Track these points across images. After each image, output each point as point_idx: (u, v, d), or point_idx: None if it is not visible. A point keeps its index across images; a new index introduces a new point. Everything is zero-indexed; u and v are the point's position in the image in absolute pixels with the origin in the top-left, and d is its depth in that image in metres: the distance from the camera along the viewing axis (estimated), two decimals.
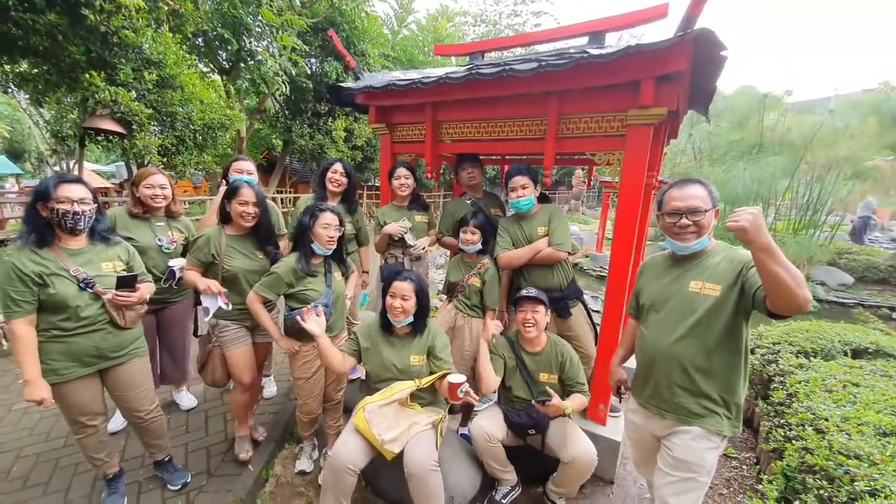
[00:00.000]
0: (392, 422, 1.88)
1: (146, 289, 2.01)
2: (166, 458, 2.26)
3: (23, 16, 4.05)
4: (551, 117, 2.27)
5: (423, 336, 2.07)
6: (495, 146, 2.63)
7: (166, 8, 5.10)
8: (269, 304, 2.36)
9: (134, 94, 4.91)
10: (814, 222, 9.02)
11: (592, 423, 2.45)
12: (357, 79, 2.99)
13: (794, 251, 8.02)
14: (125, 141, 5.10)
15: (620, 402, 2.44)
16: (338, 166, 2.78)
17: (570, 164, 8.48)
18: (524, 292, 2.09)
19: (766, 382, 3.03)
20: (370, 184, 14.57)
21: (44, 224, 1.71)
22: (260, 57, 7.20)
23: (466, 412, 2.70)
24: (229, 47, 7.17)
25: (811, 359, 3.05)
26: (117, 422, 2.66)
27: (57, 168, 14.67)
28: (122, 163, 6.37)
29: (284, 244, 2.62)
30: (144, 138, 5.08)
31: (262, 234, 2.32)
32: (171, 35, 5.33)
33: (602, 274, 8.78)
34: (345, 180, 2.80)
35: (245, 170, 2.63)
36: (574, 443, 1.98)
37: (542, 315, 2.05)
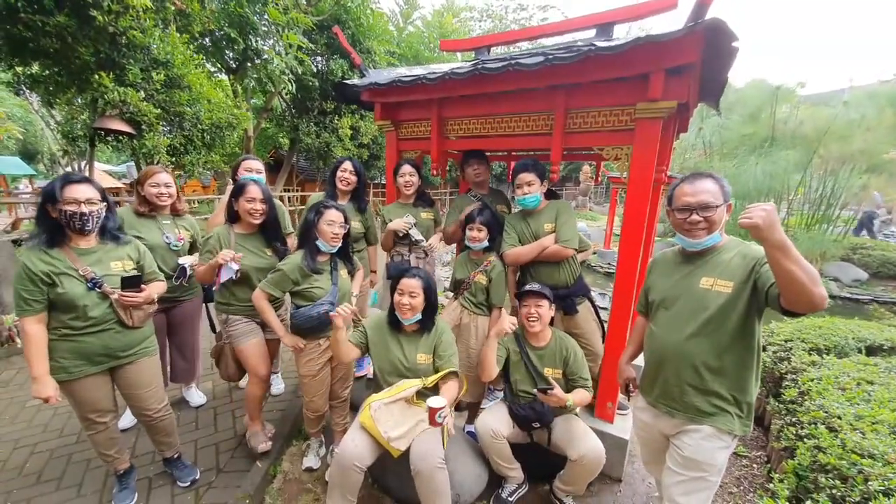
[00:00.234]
0: (398, 419, 1.88)
1: (156, 288, 2.02)
2: (175, 456, 2.29)
3: (32, 17, 4.10)
4: (558, 112, 2.25)
5: (431, 334, 2.07)
6: (501, 142, 2.61)
7: (173, 8, 5.14)
8: (277, 303, 2.38)
9: (142, 94, 4.95)
10: (827, 217, 8.85)
11: (600, 421, 2.43)
12: (362, 76, 2.98)
13: (807, 246, 7.88)
14: (134, 141, 5.14)
15: (629, 400, 2.41)
16: (347, 165, 2.79)
17: (577, 160, 8.40)
18: (527, 287, 2.08)
19: (777, 380, 2.98)
20: (377, 182, 14.60)
21: (53, 224, 1.73)
22: (266, 56, 7.23)
23: (473, 409, 2.69)
24: (236, 46, 7.20)
25: (824, 356, 2.99)
26: (128, 419, 2.70)
27: (69, 169, 14.92)
28: (132, 163, 6.44)
29: (291, 242, 2.64)
30: (153, 138, 5.13)
31: (269, 232, 2.34)
32: (178, 35, 5.36)
33: (610, 271, 8.71)
34: (354, 179, 2.80)
35: (254, 168, 2.65)
36: (582, 440, 1.96)
37: (546, 309, 2.04)
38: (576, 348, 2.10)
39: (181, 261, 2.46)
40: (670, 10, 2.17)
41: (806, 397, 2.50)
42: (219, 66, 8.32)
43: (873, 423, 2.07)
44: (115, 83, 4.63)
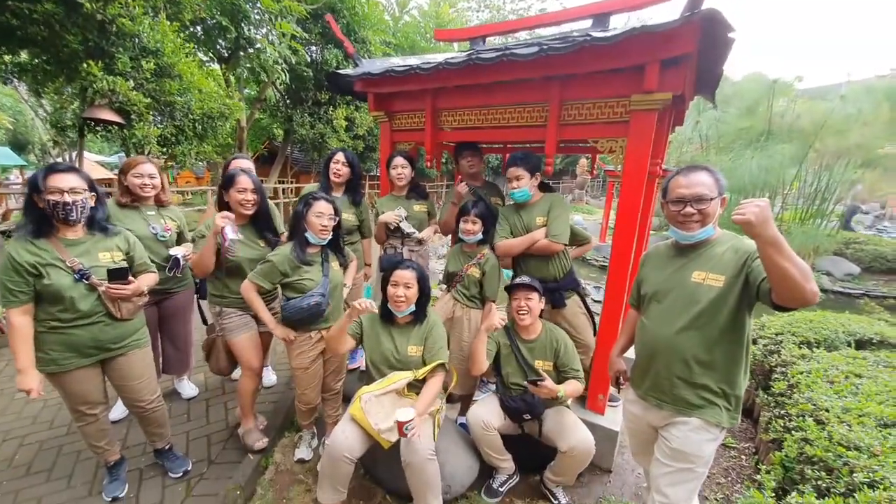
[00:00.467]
0: (389, 411, 1.88)
1: (147, 280, 1.99)
2: (167, 447, 2.28)
3: (19, 5, 4.00)
4: (553, 103, 2.22)
5: (423, 326, 2.07)
6: (496, 134, 2.58)
7: None
8: (270, 295, 2.36)
9: (132, 83, 4.85)
10: (821, 212, 8.90)
11: (591, 413, 2.45)
12: (356, 66, 2.93)
13: (801, 241, 7.93)
14: (124, 131, 5.06)
15: (619, 392, 2.43)
16: (340, 156, 2.75)
17: (572, 152, 8.38)
18: (518, 280, 2.07)
19: (767, 373, 3.01)
20: (372, 174, 14.51)
21: (41, 215, 1.70)
22: (259, 45, 7.11)
23: (466, 401, 2.70)
24: (228, 35, 7.07)
25: (814, 349, 3.03)
26: (118, 410, 2.69)
27: (59, 159, 14.70)
28: (124, 153, 6.36)
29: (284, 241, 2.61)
30: (144, 128, 5.04)
31: (261, 223, 2.32)
32: (168, 23, 5.25)
33: (605, 264, 8.73)
34: (347, 170, 2.76)
35: (244, 168, 2.61)
36: (572, 432, 1.97)
37: (536, 302, 2.04)
38: (566, 340, 2.10)
39: (174, 251, 2.43)
40: (667, 1, 2.14)
41: (795, 390, 2.53)
42: (211, 55, 8.18)
43: (860, 416, 2.10)
44: (104, 72, 4.54)
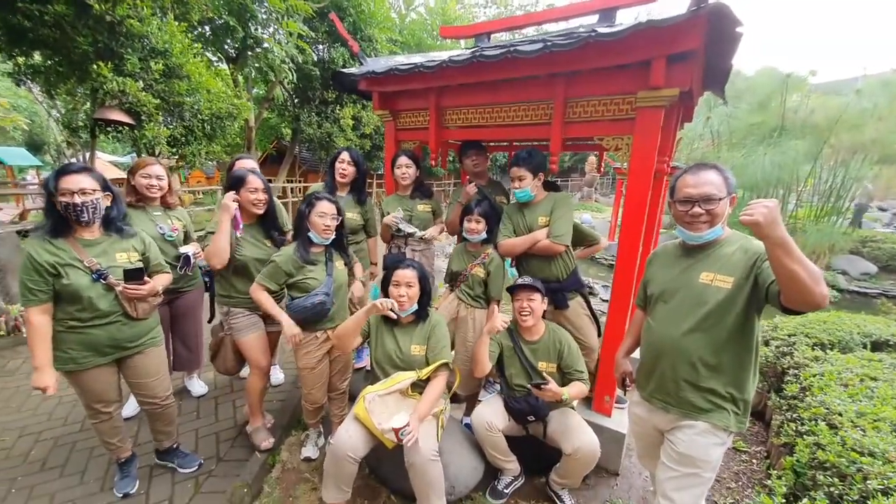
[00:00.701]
0: (393, 411, 1.88)
1: (162, 280, 2.03)
2: (174, 446, 2.32)
3: (29, 7, 4.07)
4: (558, 101, 2.20)
5: (425, 324, 2.07)
6: (501, 132, 2.56)
7: None
8: (277, 296, 2.37)
9: (141, 84, 4.92)
10: (836, 209, 8.69)
11: (598, 415, 2.42)
12: (361, 64, 2.93)
13: (816, 239, 7.75)
14: (135, 132, 5.13)
15: (625, 394, 2.40)
16: (345, 155, 2.76)
17: (578, 150, 8.30)
18: (519, 280, 2.05)
19: (779, 375, 2.95)
20: (380, 172, 14.54)
21: (59, 215, 1.73)
22: (266, 44, 7.15)
23: (471, 402, 2.69)
24: (235, 35, 7.12)
25: (828, 351, 2.96)
26: (131, 407, 2.74)
27: (73, 160, 14.97)
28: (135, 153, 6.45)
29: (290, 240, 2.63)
30: (153, 129, 5.10)
31: (268, 222, 2.35)
32: (176, 24, 5.30)
33: (613, 263, 8.65)
34: (352, 169, 2.77)
35: (249, 168, 2.63)
36: (577, 434, 1.95)
37: (539, 303, 2.02)
38: (570, 341, 2.08)
39: (184, 249, 2.47)
40: None
41: (807, 393, 2.47)
42: (219, 55, 8.25)
43: (875, 421, 2.04)
44: (114, 73, 4.60)
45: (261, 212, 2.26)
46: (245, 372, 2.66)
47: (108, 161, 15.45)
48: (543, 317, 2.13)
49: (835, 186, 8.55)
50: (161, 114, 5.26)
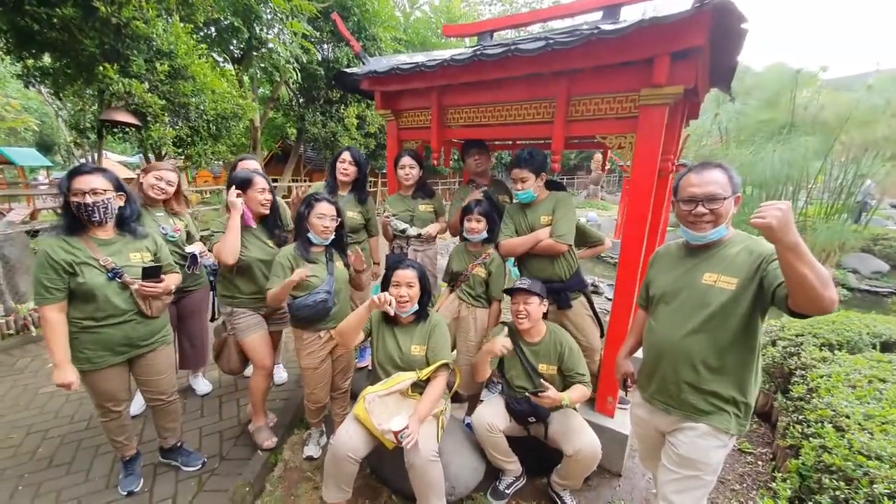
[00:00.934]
0: (393, 411, 1.88)
1: (173, 279, 2.06)
2: (178, 444, 2.34)
3: (37, 10, 4.12)
4: (560, 99, 2.18)
5: (426, 324, 2.07)
6: (503, 131, 2.54)
7: None
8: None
9: (147, 85, 4.97)
10: (847, 206, 8.54)
11: (601, 416, 2.40)
12: (363, 64, 2.93)
13: (826, 237, 7.62)
14: (141, 133, 5.18)
15: (626, 395, 2.38)
16: (346, 155, 2.76)
17: (581, 149, 8.25)
18: (518, 283, 2.03)
19: (786, 376, 2.90)
20: (385, 171, 14.56)
21: (73, 214, 1.76)
22: (271, 45, 7.18)
23: (473, 402, 2.68)
24: (240, 36, 7.17)
25: (836, 352, 2.90)
26: (136, 406, 2.77)
27: (83, 160, 15.16)
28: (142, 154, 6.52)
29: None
30: (159, 129, 5.16)
31: (271, 222, 2.37)
32: (181, 25, 5.34)
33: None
34: (354, 169, 2.77)
35: (252, 168, 2.64)
36: (578, 436, 1.94)
37: (535, 307, 1.99)
38: (571, 343, 2.06)
39: (190, 249, 2.49)
40: None
41: (814, 395, 2.43)
42: (224, 56, 8.31)
43: (883, 423, 2.00)
44: (120, 74, 4.65)
45: (267, 211, 2.29)
46: (249, 371, 2.68)
47: (118, 161, 15.63)
48: (545, 317, 2.11)
49: (845, 184, 8.41)
50: (167, 114, 5.31)
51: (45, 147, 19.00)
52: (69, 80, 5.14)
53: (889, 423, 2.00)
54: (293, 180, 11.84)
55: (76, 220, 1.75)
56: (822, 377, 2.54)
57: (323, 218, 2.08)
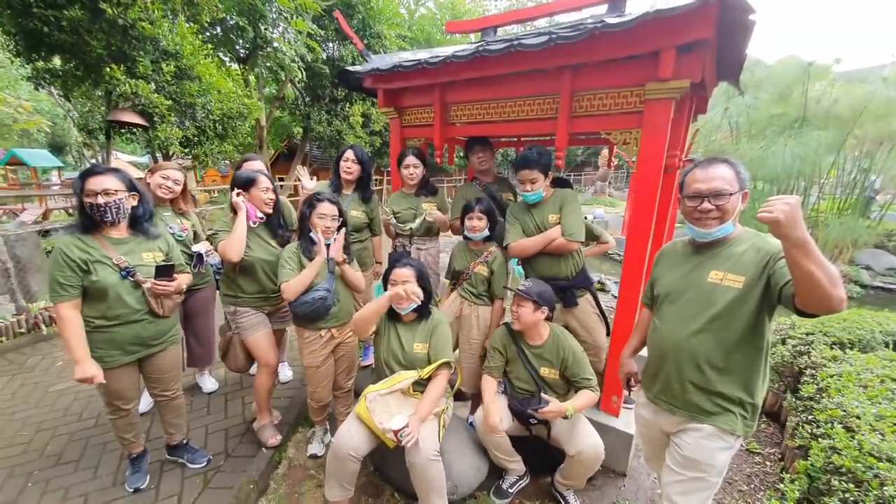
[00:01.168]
0: (394, 410, 1.88)
1: (184, 279, 2.08)
2: (184, 441, 2.36)
3: (45, 12, 4.16)
4: (564, 95, 2.14)
5: (428, 322, 2.06)
6: (507, 128, 2.52)
7: None
8: (280, 298, 2.39)
9: (153, 86, 5.01)
10: (860, 201, 8.35)
11: (606, 415, 2.38)
12: (366, 61, 2.91)
13: (838, 233, 7.46)
14: (148, 133, 5.23)
15: (630, 395, 2.35)
16: (349, 154, 2.76)
17: (586, 145, 8.16)
18: (519, 286, 2.01)
19: (796, 375, 2.85)
20: (389, 169, 14.56)
21: (88, 214, 1.78)
22: (276, 44, 7.19)
23: (476, 400, 2.67)
24: (245, 35, 7.19)
25: (847, 351, 2.84)
26: (143, 403, 2.79)
27: (94, 161, 15.37)
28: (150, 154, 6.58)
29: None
30: (166, 130, 5.20)
31: (275, 221, 2.38)
32: (187, 25, 5.37)
33: None
34: (357, 167, 2.77)
35: (256, 169, 2.65)
36: (580, 436, 1.92)
37: (529, 311, 1.96)
38: (574, 348, 2.01)
39: (196, 248, 2.51)
40: None
41: (824, 394, 2.38)
42: (229, 55, 8.34)
43: (895, 424, 1.95)
44: (127, 75, 4.69)
45: (270, 211, 2.30)
46: (255, 369, 2.70)
47: (128, 161, 15.81)
48: (550, 319, 2.08)
49: (858, 179, 8.23)
50: (173, 115, 5.35)
51: (57, 148, 19.31)
52: (77, 82, 5.20)
53: None
54: (299, 179, 11.86)
55: (90, 219, 1.78)
56: (832, 376, 2.49)
57: (324, 218, 2.09)
